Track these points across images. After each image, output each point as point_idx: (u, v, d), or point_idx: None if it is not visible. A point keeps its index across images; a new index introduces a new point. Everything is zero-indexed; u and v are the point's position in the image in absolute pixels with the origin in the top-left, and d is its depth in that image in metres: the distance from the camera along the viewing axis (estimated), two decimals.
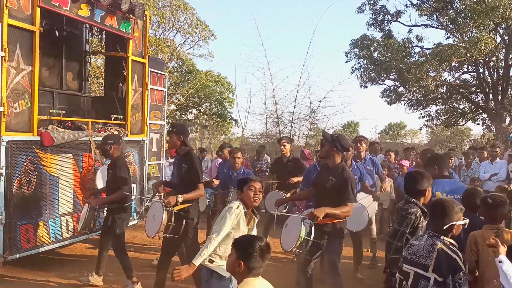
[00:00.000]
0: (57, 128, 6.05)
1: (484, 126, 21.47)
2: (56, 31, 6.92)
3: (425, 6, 19.31)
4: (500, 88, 18.75)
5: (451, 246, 2.77)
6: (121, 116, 7.19)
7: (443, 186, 4.16)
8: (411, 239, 2.98)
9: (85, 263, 6.00)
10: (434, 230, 2.85)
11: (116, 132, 6.91)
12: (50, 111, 6.40)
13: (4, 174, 5.14)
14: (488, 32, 16.75)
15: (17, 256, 5.36)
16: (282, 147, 7.26)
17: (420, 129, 24.48)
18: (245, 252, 2.49)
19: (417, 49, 20.05)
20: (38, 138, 5.59)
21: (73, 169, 6.08)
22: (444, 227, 2.79)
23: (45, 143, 5.65)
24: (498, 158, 8.60)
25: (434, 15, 19.29)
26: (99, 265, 5.55)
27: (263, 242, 2.54)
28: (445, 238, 2.80)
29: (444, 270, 2.69)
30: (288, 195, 5.86)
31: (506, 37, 18.18)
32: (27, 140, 5.47)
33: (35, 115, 5.53)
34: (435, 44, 19.01)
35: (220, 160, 9.70)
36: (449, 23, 18.41)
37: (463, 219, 2.86)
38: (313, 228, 4.12)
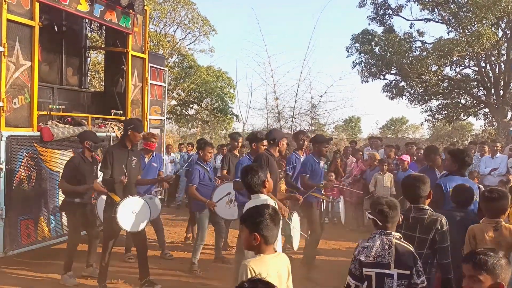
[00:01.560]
0: (57, 123, 6.06)
1: (486, 121, 21.43)
2: (56, 26, 6.91)
3: (427, 0, 19.19)
4: (501, 82, 18.65)
5: (402, 240, 2.85)
6: (121, 112, 7.19)
7: (456, 183, 4.20)
8: (362, 241, 2.92)
9: (81, 259, 5.98)
10: (382, 228, 2.86)
11: (116, 128, 6.92)
12: (50, 106, 6.42)
13: (4, 170, 5.15)
14: (490, 26, 16.65)
15: (18, 251, 5.39)
16: (240, 143, 7.32)
17: (422, 124, 24.42)
18: (255, 223, 2.44)
19: (419, 44, 19.97)
20: (38, 133, 5.60)
21: None
22: (401, 220, 2.91)
23: (45, 139, 5.66)
24: (499, 153, 8.58)
25: (436, 9, 19.17)
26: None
27: (270, 207, 2.51)
28: (395, 233, 2.84)
29: (406, 262, 2.76)
30: None
31: (508, 31, 18.09)
32: (27, 135, 5.48)
33: (35, 110, 5.53)
34: (436, 39, 18.92)
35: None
36: (451, 17, 18.31)
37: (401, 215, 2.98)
38: None
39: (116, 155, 5.05)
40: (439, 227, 3.16)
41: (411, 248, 2.84)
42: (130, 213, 4.94)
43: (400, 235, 2.86)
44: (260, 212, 2.46)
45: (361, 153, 9.40)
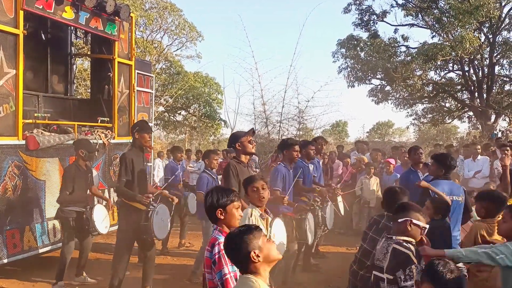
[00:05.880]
0: (43, 131, 6.00)
1: (470, 124, 21.78)
2: (41, 34, 6.87)
3: (411, 6, 19.48)
4: (485, 86, 19.00)
5: (404, 243, 2.81)
6: (108, 119, 7.16)
7: (442, 187, 4.31)
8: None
9: (71, 267, 5.92)
10: (391, 231, 2.94)
11: (103, 135, 6.88)
12: (35, 114, 6.35)
13: None
14: (473, 31, 16.99)
15: (4, 261, 5.31)
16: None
17: (408, 127, 24.81)
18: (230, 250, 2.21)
19: (403, 49, 20.24)
20: (23, 142, 5.54)
21: (59, 173, 6.03)
22: (400, 220, 2.82)
23: (31, 147, 5.61)
24: (479, 155, 8.70)
25: (420, 15, 19.46)
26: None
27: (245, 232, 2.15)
28: (398, 238, 2.84)
29: (395, 266, 2.77)
30: None
31: (490, 36, 18.43)
32: (12, 144, 5.42)
33: (20, 119, 5.48)
34: (420, 43, 19.23)
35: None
36: (434, 22, 18.60)
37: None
38: None
39: (136, 161, 4.83)
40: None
41: (405, 250, 2.79)
42: (160, 220, 4.91)
43: (405, 239, 2.82)
44: (233, 238, 2.21)
45: (348, 159, 9.47)
